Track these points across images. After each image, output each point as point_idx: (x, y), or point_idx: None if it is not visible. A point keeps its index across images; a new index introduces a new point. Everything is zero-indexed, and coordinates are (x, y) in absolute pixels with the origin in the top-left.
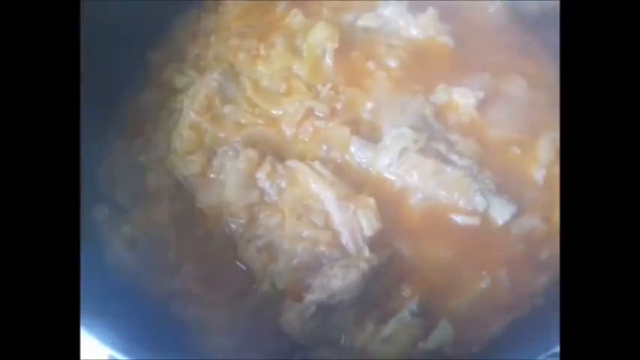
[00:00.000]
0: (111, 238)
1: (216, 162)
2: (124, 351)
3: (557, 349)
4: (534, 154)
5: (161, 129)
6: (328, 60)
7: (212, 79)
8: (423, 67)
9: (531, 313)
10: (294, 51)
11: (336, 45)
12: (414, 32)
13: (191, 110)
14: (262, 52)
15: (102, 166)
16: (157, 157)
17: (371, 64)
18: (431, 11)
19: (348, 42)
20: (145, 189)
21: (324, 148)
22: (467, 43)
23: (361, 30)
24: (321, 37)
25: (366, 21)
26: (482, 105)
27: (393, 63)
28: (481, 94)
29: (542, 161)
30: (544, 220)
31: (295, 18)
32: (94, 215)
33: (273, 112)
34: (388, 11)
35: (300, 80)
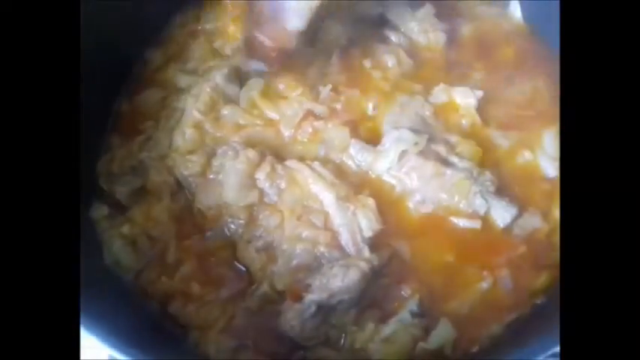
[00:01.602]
0: (110, 238)
1: (215, 162)
2: (124, 351)
3: (557, 349)
4: (535, 154)
5: (162, 127)
6: (335, 59)
7: (215, 79)
8: (421, 66)
9: (531, 313)
10: None
11: (344, 42)
12: (411, 25)
13: (194, 110)
14: None
15: (102, 164)
16: (157, 156)
17: (370, 63)
18: (428, 7)
19: (349, 39)
20: (145, 187)
21: (324, 148)
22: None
23: (359, 21)
24: (331, 35)
25: (364, 8)
26: (482, 105)
27: (390, 62)
28: (481, 94)
29: (543, 161)
30: (545, 220)
31: None
32: (94, 214)
33: (273, 113)
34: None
35: (306, 81)
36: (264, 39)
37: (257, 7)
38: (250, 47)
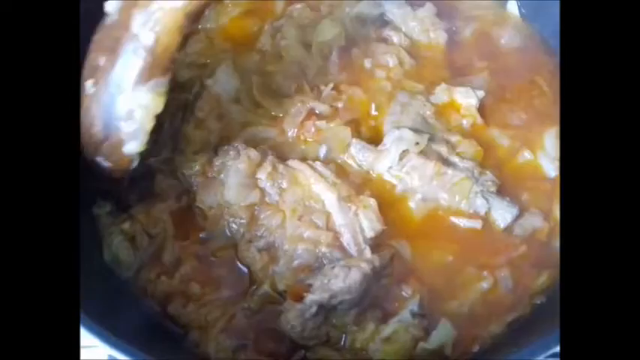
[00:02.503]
0: (110, 234)
1: (217, 162)
2: (124, 351)
3: (557, 349)
4: (536, 154)
5: (166, 128)
6: (334, 58)
7: (216, 78)
8: (422, 66)
9: (531, 313)
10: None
11: (343, 43)
12: (412, 25)
13: (197, 109)
14: (268, 50)
15: None
16: (163, 159)
17: (371, 63)
18: (429, 6)
19: (349, 39)
20: (152, 190)
21: (325, 148)
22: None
23: (359, 21)
24: (328, 35)
25: (363, 8)
26: (483, 104)
27: (392, 61)
28: (482, 93)
29: (543, 161)
30: (545, 220)
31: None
32: (96, 210)
33: (275, 112)
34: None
35: (305, 80)
36: (104, 162)
37: (91, 130)
38: (94, 170)
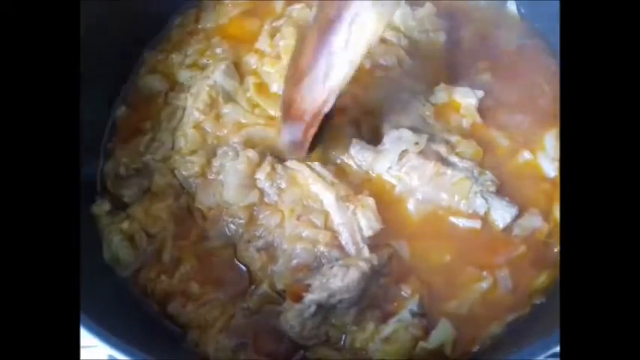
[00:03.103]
0: (109, 233)
1: (215, 162)
2: (124, 351)
3: (557, 349)
4: (535, 154)
5: (164, 128)
6: None
7: (214, 76)
8: (422, 66)
9: (531, 313)
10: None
11: None
12: (411, 25)
13: (195, 109)
14: (267, 50)
15: (109, 167)
16: (161, 157)
17: (370, 63)
18: (428, 6)
19: None
20: (150, 189)
21: (324, 148)
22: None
23: None
24: None
25: None
26: (483, 104)
27: (391, 62)
28: (481, 93)
29: (543, 161)
30: (545, 220)
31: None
32: (96, 210)
33: (273, 112)
34: None
35: None
36: (302, 99)
37: (299, 62)
38: (287, 111)
